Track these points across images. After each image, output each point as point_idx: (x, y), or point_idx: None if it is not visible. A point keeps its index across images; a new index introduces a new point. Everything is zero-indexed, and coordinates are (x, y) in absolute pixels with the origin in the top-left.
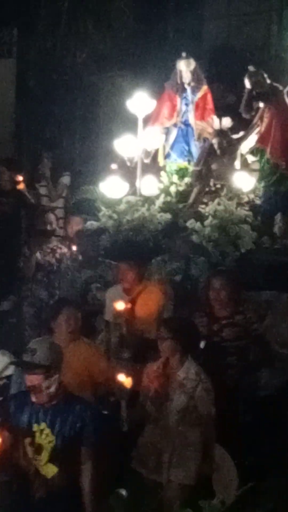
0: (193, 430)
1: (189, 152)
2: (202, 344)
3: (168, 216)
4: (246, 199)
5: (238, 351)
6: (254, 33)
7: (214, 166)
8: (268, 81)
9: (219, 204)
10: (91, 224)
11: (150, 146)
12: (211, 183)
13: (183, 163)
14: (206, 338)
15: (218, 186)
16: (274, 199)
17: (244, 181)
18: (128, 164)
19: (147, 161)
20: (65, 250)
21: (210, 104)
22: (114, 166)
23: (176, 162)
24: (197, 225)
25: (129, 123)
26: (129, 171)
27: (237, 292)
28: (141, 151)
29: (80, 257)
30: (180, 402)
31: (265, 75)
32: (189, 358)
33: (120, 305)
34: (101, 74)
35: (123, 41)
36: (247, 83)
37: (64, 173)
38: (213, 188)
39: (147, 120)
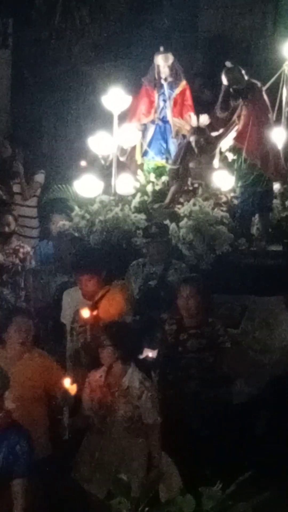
0: (138, 440)
1: (167, 150)
2: (152, 354)
3: (142, 216)
4: (223, 200)
5: (200, 363)
6: (250, 24)
7: (191, 165)
8: (246, 77)
9: (194, 204)
10: (63, 224)
11: (126, 143)
12: (189, 182)
13: (161, 161)
14: (171, 347)
15: (196, 185)
16: (251, 200)
17: (223, 181)
18: (103, 162)
19: (123, 159)
20: (28, 249)
21: (189, 100)
22: (83, 163)
23: (154, 160)
24: (172, 226)
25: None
26: (104, 169)
27: (206, 302)
28: (116, 148)
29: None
30: (125, 412)
31: (243, 71)
32: (132, 366)
33: (85, 313)
34: (97, 65)
35: (119, 32)
36: (224, 80)
37: (39, 170)
38: (190, 188)
39: (125, 116)
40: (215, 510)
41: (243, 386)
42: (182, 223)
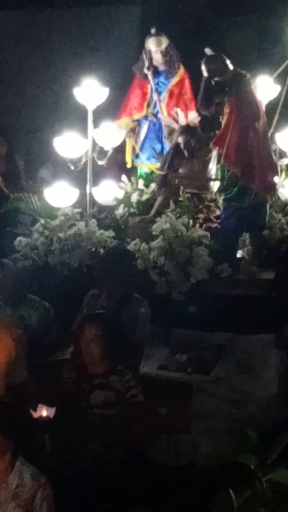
0: None
1: (162, 152)
2: (49, 412)
3: (109, 234)
4: (216, 214)
5: (105, 421)
6: None
7: (182, 171)
8: (231, 66)
9: (165, 221)
10: (20, 241)
11: (107, 144)
12: (180, 192)
13: (154, 164)
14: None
15: (188, 196)
16: (236, 217)
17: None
18: (72, 168)
19: (102, 163)
20: None
21: (188, 93)
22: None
23: (147, 163)
24: (142, 246)
25: None
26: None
27: (115, 345)
28: (91, 150)
29: None
30: None
31: (227, 60)
32: (20, 458)
33: None
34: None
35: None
36: (204, 71)
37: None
38: (180, 198)
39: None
40: None
41: (210, 446)
42: (153, 244)
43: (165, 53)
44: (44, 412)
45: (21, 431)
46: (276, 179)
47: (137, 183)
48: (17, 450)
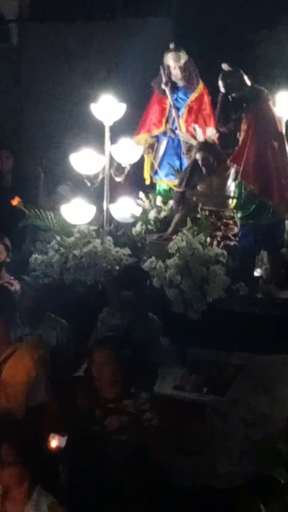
0: None
1: (180, 169)
2: (60, 442)
3: (125, 251)
4: (234, 231)
5: (123, 447)
6: None
7: (200, 188)
8: (249, 82)
9: (182, 239)
10: (35, 258)
11: (125, 160)
12: (198, 209)
13: (173, 181)
14: (84, 426)
15: (206, 213)
16: (253, 235)
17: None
18: (89, 184)
19: (119, 179)
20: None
21: (207, 108)
22: (63, 188)
23: (165, 180)
24: (159, 264)
25: None
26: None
27: (128, 367)
28: (108, 166)
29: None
30: None
31: (245, 76)
32: (38, 487)
33: None
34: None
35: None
36: (221, 87)
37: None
38: (198, 216)
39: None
40: None
41: (227, 467)
42: (169, 262)
43: (183, 69)
44: (54, 443)
45: (39, 460)
46: None
47: (155, 200)
48: (34, 479)
